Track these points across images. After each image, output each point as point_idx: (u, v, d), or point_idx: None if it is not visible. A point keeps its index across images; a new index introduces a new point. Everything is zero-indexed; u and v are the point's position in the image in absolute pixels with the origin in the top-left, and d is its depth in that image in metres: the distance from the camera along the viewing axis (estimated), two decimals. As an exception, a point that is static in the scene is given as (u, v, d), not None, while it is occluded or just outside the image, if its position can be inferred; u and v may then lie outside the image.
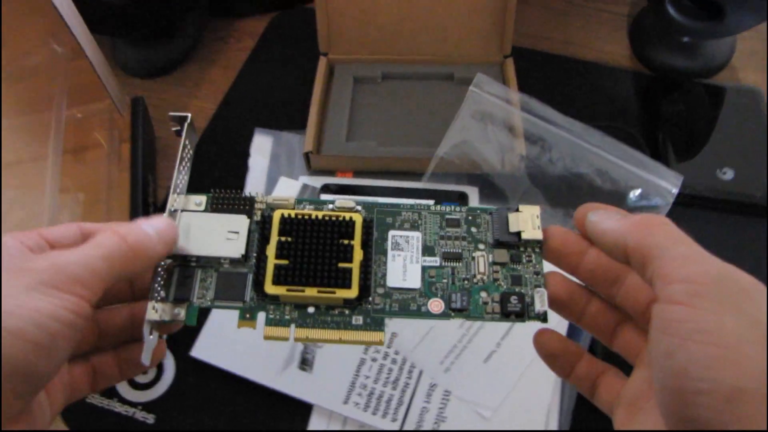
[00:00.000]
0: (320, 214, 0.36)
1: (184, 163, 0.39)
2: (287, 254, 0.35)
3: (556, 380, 0.51)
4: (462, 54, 0.69)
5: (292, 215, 0.36)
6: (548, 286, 0.35)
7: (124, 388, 0.54)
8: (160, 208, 0.63)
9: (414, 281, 0.36)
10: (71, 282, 0.27)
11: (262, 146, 0.65)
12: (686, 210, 0.60)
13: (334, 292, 0.34)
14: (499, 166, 0.60)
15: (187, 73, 0.75)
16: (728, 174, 0.61)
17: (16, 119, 0.61)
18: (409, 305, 0.36)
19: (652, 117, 0.68)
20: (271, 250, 0.35)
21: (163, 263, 0.34)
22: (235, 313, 0.36)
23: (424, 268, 0.37)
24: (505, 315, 0.34)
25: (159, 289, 0.34)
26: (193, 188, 0.55)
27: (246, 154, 0.65)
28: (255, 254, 0.36)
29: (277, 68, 0.75)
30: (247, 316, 0.35)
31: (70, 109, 0.59)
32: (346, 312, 0.35)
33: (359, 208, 0.38)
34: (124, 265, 0.30)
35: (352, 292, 0.35)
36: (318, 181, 0.61)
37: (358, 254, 0.36)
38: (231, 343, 0.53)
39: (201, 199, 0.38)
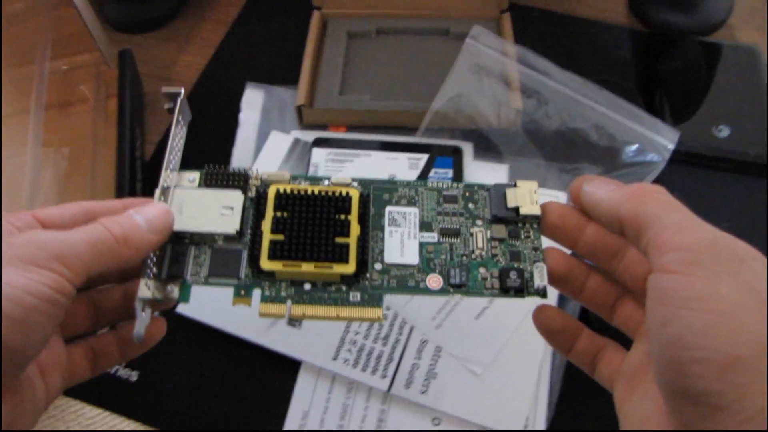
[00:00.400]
0: (316, 189, 0.35)
1: (176, 140, 0.38)
2: (283, 229, 0.34)
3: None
4: (458, 8, 0.68)
5: (288, 190, 0.35)
6: (547, 261, 0.34)
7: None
8: (146, 165, 0.61)
9: (412, 257, 0.35)
10: (49, 258, 0.26)
11: (253, 101, 0.64)
12: (682, 167, 0.59)
13: (331, 267, 0.34)
14: (494, 121, 0.59)
15: (176, 28, 0.74)
16: (724, 132, 0.60)
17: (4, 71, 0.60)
18: (407, 281, 0.35)
19: (648, 74, 0.67)
20: (266, 225, 0.34)
21: None
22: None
23: (422, 244, 0.36)
24: (504, 291, 0.34)
25: (151, 266, 0.33)
26: (185, 143, 0.54)
27: (237, 109, 0.64)
28: (250, 230, 0.35)
29: (269, 23, 0.73)
30: (242, 293, 0.34)
31: (55, 61, 0.58)
32: (344, 288, 0.34)
33: (355, 184, 0.37)
34: (111, 255, 0.29)
35: (350, 267, 0.34)
36: (310, 136, 0.60)
37: (355, 229, 0.35)
38: (219, 300, 0.52)
39: (194, 176, 0.37)
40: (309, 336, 0.52)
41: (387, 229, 0.36)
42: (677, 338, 0.24)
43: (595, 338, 0.34)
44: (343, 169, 0.56)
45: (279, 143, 0.60)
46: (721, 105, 0.63)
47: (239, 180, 0.37)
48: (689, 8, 0.71)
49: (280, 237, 0.34)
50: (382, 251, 0.36)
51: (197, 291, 0.50)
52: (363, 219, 0.36)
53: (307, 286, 0.34)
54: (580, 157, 0.58)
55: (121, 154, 0.56)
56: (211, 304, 0.52)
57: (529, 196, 0.35)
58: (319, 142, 0.58)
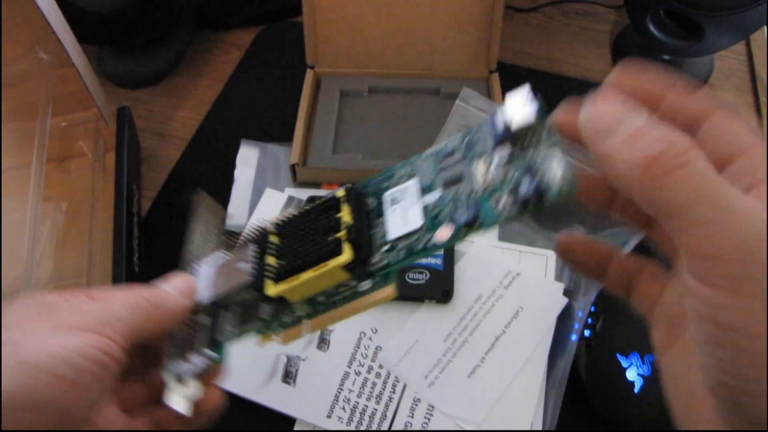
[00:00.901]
0: (304, 208, 0.34)
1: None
2: (281, 254, 0.33)
3: (540, 395, 0.52)
4: (448, 69, 0.70)
5: (280, 220, 0.34)
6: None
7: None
8: (143, 220, 0.62)
9: (415, 221, 0.32)
10: (94, 323, 0.28)
11: (248, 158, 0.65)
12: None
13: (327, 264, 0.31)
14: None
15: (173, 84, 0.75)
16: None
17: (7, 125, 0.61)
18: (415, 246, 0.31)
19: (634, 134, 0.69)
20: (270, 258, 0.33)
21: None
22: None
23: (425, 207, 0.32)
24: (522, 204, 0.27)
25: (182, 343, 0.34)
26: (179, 197, 0.55)
27: (232, 166, 0.65)
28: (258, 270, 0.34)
29: (264, 81, 0.75)
30: (265, 331, 0.34)
31: (54, 118, 0.59)
32: (353, 283, 0.32)
33: (343, 188, 0.34)
34: (149, 318, 0.31)
35: (345, 256, 0.31)
36: (304, 194, 0.61)
37: (346, 219, 0.32)
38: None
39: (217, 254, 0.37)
40: (303, 393, 0.52)
41: (388, 210, 0.33)
42: (730, 365, 0.21)
43: (629, 262, 0.30)
44: (337, 226, 0.58)
45: (273, 201, 0.61)
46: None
47: (258, 234, 0.35)
48: (671, 70, 0.73)
49: (281, 262, 0.33)
50: (385, 234, 0.32)
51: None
52: (358, 210, 0.33)
53: (321, 299, 0.33)
54: (569, 218, 0.59)
55: (118, 210, 0.57)
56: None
57: (522, 102, 0.30)
58: (313, 201, 0.59)
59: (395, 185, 0.33)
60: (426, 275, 0.55)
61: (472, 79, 0.69)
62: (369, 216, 0.33)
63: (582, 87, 0.73)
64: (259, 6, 0.79)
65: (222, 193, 0.63)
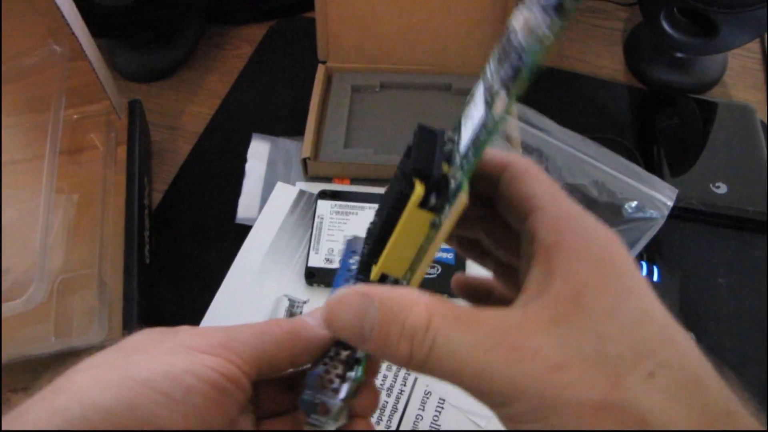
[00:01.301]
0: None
1: None
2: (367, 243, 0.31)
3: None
4: (460, 65, 0.69)
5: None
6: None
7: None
8: (153, 213, 0.62)
9: (479, 114, 0.28)
10: (214, 345, 0.26)
11: (259, 152, 0.65)
12: (681, 223, 0.61)
13: (403, 214, 0.27)
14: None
15: (184, 78, 0.75)
16: (722, 188, 0.62)
17: (13, 118, 0.61)
18: (479, 138, 0.26)
19: (646, 131, 0.69)
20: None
21: None
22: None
23: (486, 99, 0.28)
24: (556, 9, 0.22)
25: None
26: (189, 190, 0.56)
27: (242, 160, 0.65)
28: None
29: (275, 75, 0.75)
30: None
31: (67, 110, 0.59)
32: (437, 220, 0.27)
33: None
34: (279, 345, 0.28)
35: (417, 192, 0.26)
36: (315, 188, 0.61)
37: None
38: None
39: None
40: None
41: (462, 128, 0.30)
42: None
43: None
44: (348, 221, 0.57)
45: (284, 194, 0.61)
46: (718, 162, 0.64)
47: None
48: (685, 67, 0.73)
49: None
50: (457, 151, 0.29)
51: (216, 317, 0.51)
52: (421, 142, 0.29)
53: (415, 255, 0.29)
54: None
55: (130, 202, 0.57)
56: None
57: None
58: (324, 195, 0.59)
59: (468, 103, 0.30)
60: (438, 270, 0.55)
61: (484, 75, 0.69)
62: (440, 145, 0.29)
63: (593, 84, 0.74)
64: (269, 2, 0.79)
65: (233, 186, 0.63)
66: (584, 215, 0.25)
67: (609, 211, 0.58)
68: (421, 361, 0.24)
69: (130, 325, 0.49)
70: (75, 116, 0.63)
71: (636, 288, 0.23)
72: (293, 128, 0.66)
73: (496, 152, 0.28)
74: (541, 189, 0.26)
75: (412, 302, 0.24)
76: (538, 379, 0.21)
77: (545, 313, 0.22)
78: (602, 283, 0.23)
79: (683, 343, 0.22)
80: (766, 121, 0.69)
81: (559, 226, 0.25)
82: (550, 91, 0.73)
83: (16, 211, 0.60)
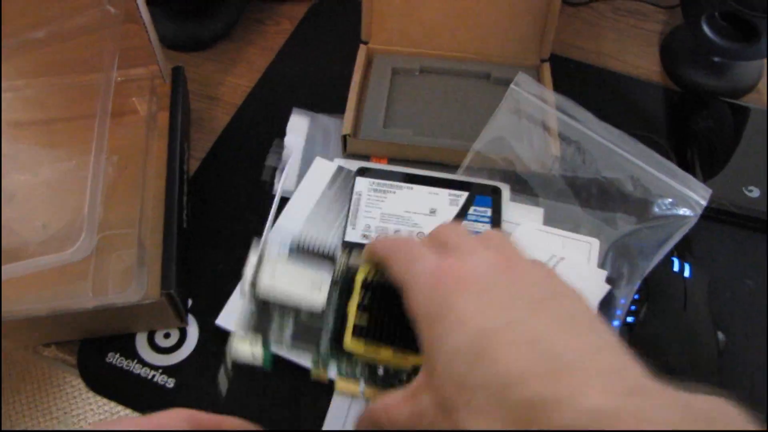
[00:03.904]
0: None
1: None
2: (367, 314, 0.37)
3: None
4: (500, 54, 0.70)
5: (374, 278, 0.38)
6: None
7: (145, 351, 0.54)
8: (191, 178, 0.63)
9: None
10: None
11: (298, 126, 0.66)
12: (712, 224, 0.61)
13: (406, 358, 0.36)
14: (533, 165, 0.61)
15: (223, 50, 0.76)
16: (754, 192, 0.62)
17: (59, 77, 0.62)
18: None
19: (680, 132, 0.69)
20: (351, 308, 0.37)
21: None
22: None
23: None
24: None
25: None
26: (228, 162, 0.57)
27: (280, 133, 0.65)
28: (334, 310, 0.38)
29: (314, 53, 0.75)
30: (320, 365, 0.38)
31: (115, 72, 0.59)
32: (413, 378, 0.34)
33: None
34: None
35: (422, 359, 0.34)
36: (353, 165, 0.61)
37: None
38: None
39: (284, 247, 0.40)
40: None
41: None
42: None
43: None
44: (386, 199, 0.58)
45: (323, 170, 0.61)
46: (750, 166, 0.65)
47: (326, 259, 0.40)
48: (720, 72, 0.74)
49: (363, 321, 0.37)
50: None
51: (237, 305, 0.52)
52: None
53: (381, 371, 0.37)
54: (614, 206, 0.59)
55: (170, 167, 0.57)
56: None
57: None
58: (362, 172, 0.60)
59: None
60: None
61: (523, 66, 0.69)
62: None
63: (629, 82, 0.74)
64: (313, -20, 0.80)
65: (272, 159, 0.64)
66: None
67: (642, 206, 0.58)
68: None
69: (167, 286, 0.50)
70: (119, 79, 0.63)
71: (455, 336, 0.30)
72: (331, 105, 0.67)
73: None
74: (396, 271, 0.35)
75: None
76: None
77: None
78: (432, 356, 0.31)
79: (490, 361, 0.28)
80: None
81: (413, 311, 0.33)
82: (586, 86, 0.74)
83: (56, 170, 0.61)
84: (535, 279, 0.32)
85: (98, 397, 1.49)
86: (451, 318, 0.30)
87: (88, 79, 0.61)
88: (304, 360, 0.39)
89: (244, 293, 0.39)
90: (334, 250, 0.40)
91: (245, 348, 0.37)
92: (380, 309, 0.37)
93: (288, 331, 0.38)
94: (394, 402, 0.33)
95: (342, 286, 0.39)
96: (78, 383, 1.49)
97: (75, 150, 0.60)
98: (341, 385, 0.37)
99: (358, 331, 0.37)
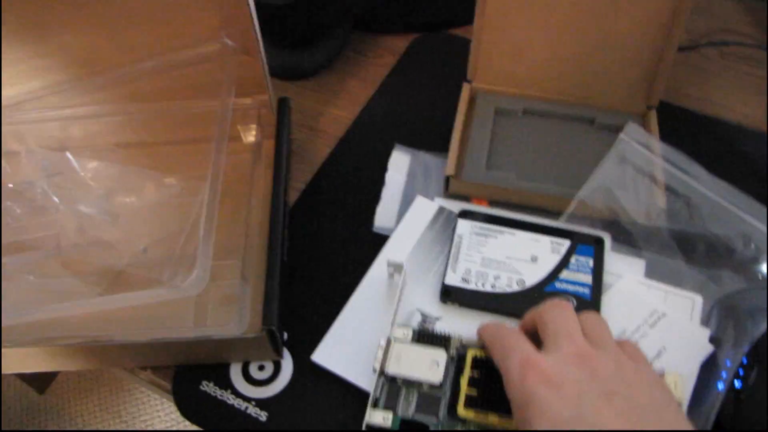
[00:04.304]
0: None
1: (398, 303, 0.53)
2: (476, 386, 0.46)
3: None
4: (605, 100, 0.69)
5: (482, 356, 0.48)
6: None
7: (239, 382, 0.54)
8: (291, 210, 0.64)
9: None
10: None
11: (399, 163, 0.66)
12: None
13: (510, 421, 0.44)
14: (637, 217, 0.59)
15: (325, 81, 0.77)
16: None
17: (172, 102, 0.64)
18: None
19: (791, 186, 0.67)
20: (464, 381, 0.47)
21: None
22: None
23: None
24: None
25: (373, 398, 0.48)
26: (328, 195, 0.67)
27: (381, 168, 0.66)
28: (450, 382, 0.48)
29: (415, 88, 0.76)
30: (440, 429, 0.47)
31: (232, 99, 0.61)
32: None
33: None
34: None
35: None
36: (453, 205, 0.61)
37: None
38: (352, 352, 0.53)
39: (407, 331, 0.51)
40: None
41: None
42: None
43: None
44: (487, 243, 0.58)
45: (424, 209, 0.61)
46: None
47: (442, 340, 0.50)
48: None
49: (474, 392, 0.46)
50: None
51: (334, 343, 0.54)
52: None
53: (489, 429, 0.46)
54: (721, 264, 0.58)
55: (275, 198, 0.58)
56: (345, 357, 0.53)
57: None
58: (465, 214, 0.59)
59: None
60: (573, 302, 0.55)
61: (629, 113, 0.68)
62: None
63: (739, 133, 0.72)
64: (416, 15, 0.80)
65: (372, 195, 0.64)
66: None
67: (753, 266, 0.56)
68: None
69: (270, 322, 0.50)
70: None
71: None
72: (432, 142, 0.67)
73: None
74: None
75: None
76: None
77: None
78: None
79: None
80: None
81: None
82: (693, 135, 0.72)
83: (161, 194, 0.62)
84: (612, 370, 0.40)
85: (166, 404, 1.53)
86: (535, 408, 0.38)
87: (200, 105, 0.63)
88: (428, 423, 0.47)
89: (376, 371, 0.49)
90: (449, 334, 0.50)
91: (378, 414, 0.47)
92: (487, 382, 0.46)
93: (413, 400, 0.48)
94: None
95: (456, 364, 0.49)
96: (172, 408, 1.53)
97: (181, 175, 0.62)
98: None
99: (469, 401, 0.46)
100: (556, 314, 0.44)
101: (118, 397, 1.54)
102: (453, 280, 0.56)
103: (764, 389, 0.50)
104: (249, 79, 0.62)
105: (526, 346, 0.42)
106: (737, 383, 0.52)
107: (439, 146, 0.65)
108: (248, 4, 0.55)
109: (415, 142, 0.68)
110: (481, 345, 0.48)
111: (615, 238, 0.60)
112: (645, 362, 0.42)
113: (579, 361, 0.40)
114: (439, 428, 0.47)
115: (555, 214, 0.61)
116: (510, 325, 0.47)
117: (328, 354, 0.54)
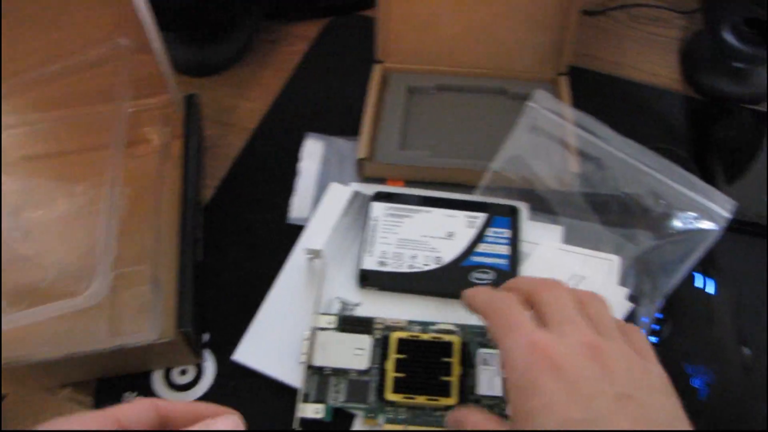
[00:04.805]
0: (427, 336, 0.49)
1: (320, 290, 0.53)
2: (403, 369, 0.48)
3: None
4: (516, 69, 0.69)
5: (406, 337, 0.49)
6: None
7: (161, 388, 0.53)
8: (206, 207, 0.63)
9: (498, 390, 0.48)
10: None
11: (313, 151, 0.65)
12: (736, 236, 0.60)
13: (438, 400, 0.46)
14: (551, 183, 0.59)
15: (237, 74, 0.75)
16: (779, 201, 0.61)
17: (70, 110, 0.62)
18: (494, 410, 0.47)
19: (702, 141, 0.68)
20: (390, 365, 0.48)
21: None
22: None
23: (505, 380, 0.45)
24: None
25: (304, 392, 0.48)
26: (243, 189, 0.58)
27: (295, 157, 0.65)
28: (377, 367, 0.49)
29: (329, 73, 0.75)
30: (371, 415, 0.47)
31: (129, 103, 0.59)
32: (446, 413, 0.45)
33: (456, 329, 0.51)
34: None
35: (452, 400, 0.47)
36: (368, 188, 0.60)
37: (456, 370, 0.48)
38: (274, 349, 0.53)
39: (331, 319, 0.52)
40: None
41: (479, 366, 0.49)
42: None
43: None
44: (402, 224, 0.57)
45: (338, 195, 0.60)
46: (774, 175, 0.63)
47: (366, 325, 0.51)
48: (742, 78, 0.72)
49: (401, 375, 0.47)
50: (475, 385, 0.48)
51: (254, 341, 0.53)
52: (463, 361, 0.48)
53: (419, 412, 0.47)
54: (635, 222, 0.58)
55: (185, 198, 0.57)
56: (267, 354, 0.53)
57: None
58: (378, 197, 0.59)
59: (487, 346, 0.50)
60: (491, 275, 0.55)
61: (540, 80, 0.68)
62: (467, 366, 0.49)
63: (649, 92, 0.73)
64: (326, 0, 0.79)
65: (286, 185, 0.63)
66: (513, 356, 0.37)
67: (664, 221, 0.57)
68: None
69: (184, 324, 0.49)
70: (131, 109, 0.63)
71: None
72: (347, 127, 0.66)
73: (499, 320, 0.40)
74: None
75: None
76: None
77: None
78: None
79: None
80: (826, 135, 0.68)
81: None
82: (605, 98, 0.72)
83: (71, 205, 0.61)
84: (624, 368, 0.35)
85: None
86: (541, 400, 0.34)
87: (101, 110, 0.61)
88: (358, 411, 0.48)
89: (303, 362, 0.49)
90: (373, 318, 0.51)
91: (309, 407, 0.48)
92: (413, 363, 0.48)
93: (342, 389, 0.48)
94: (484, 421, 0.39)
95: (382, 348, 0.50)
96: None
97: (89, 183, 0.60)
98: (388, 428, 0.47)
99: (397, 385, 0.47)
100: (555, 296, 0.39)
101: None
102: (369, 263, 0.55)
103: (676, 340, 0.51)
104: (151, 79, 0.60)
105: (531, 325, 0.38)
106: (653, 339, 0.52)
107: (355, 131, 0.64)
108: (140, 1, 0.53)
109: (330, 128, 0.67)
110: (470, 310, 0.43)
111: (532, 207, 0.60)
112: (652, 356, 0.39)
113: (589, 353, 0.35)
114: (370, 414, 0.47)
115: (472, 189, 0.61)
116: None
117: (251, 352, 0.53)
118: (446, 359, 0.48)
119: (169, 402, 0.34)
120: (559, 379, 0.34)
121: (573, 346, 0.36)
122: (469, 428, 0.40)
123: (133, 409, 0.32)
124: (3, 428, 0.52)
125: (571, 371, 0.34)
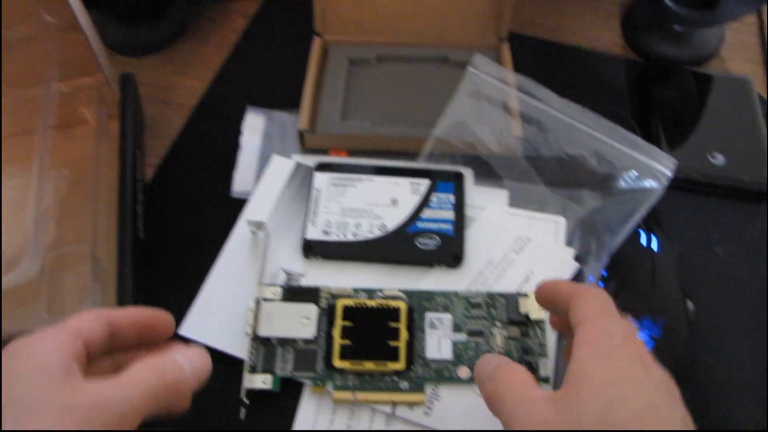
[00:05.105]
0: (374, 303, 0.50)
1: (263, 261, 0.53)
2: (349, 336, 0.48)
3: (551, 355, 0.51)
4: (457, 37, 0.69)
5: (352, 304, 0.50)
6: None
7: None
8: (148, 186, 0.61)
9: (447, 353, 0.48)
10: (116, 421, 0.29)
11: (254, 125, 0.64)
12: (679, 194, 0.60)
13: (386, 365, 0.47)
14: (495, 147, 0.59)
15: (176, 52, 0.74)
16: (719, 159, 0.62)
17: (5, 92, 0.60)
18: (443, 372, 0.48)
19: (643, 103, 0.68)
20: (336, 332, 0.49)
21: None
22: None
23: (454, 343, 0.49)
24: None
25: (248, 362, 0.48)
26: (185, 166, 0.56)
27: (238, 133, 0.64)
28: (323, 335, 0.49)
29: (270, 48, 0.74)
30: (319, 383, 0.48)
31: (57, 83, 0.58)
32: (395, 378, 0.47)
33: (403, 295, 0.51)
34: (161, 401, 0.32)
35: (400, 365, 0.47)
36: (311, 160, 0.60)
37: (404, 335, 0.49)
38: (220, 322, 0.52)
39: (276, 290, 0.51)
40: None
41: (428, 330, 0.49)
42: None
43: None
44: (346, 193, 0.57)
45: (281, 167, 0.60)
46: (714, 133, 0.64)
47: (312, 294, 0.51)
48: (682, 40, 0.73)
49: (348, 342, 0.48)
50: (423, 348, 0.49)
51: (201, 314, 0.51)
52: (410, 325, 0.49)
53: (367, 377, 0.47)
54: (579, 183, 0.58)
55: (123, 177, 0.56)
56: (214, 327, 0.52)
57: (537, 305, 0.43)
58: (321, 167, 0.58)
59: (434, 310, 0.51)
60: (436, 240, 0.55)
61: (482, 47, 0.68)
62: (414, 331, 0.49)
63: (590, 57, 0.73)
64: (264, -26, 0.78)
65: (228, 160, 0.63)
66: (610, 334, 0.35)
67: (607, 181, 0.57)
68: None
69: (124, 302, 0.48)
70: (65, 90, 0.61)
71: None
72: (289, 101, 0.65)
73: (567, 286, 0.39)
74: (585, 311, 0.36)
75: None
76: None
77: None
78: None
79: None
80: (764, 94, 0.69)
81: (588, 347, 0.34)
82: (547, 63, 0.72)
83: (5, 189, 0.59)
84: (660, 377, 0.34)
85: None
86: (624, 390, 0.32)
87: (30, 93, 0.59)
88: (306, 379, 0.48)
89: (248, 333, 0.49)
90: (318, 287, 0.51)
91: (257, 378, 0.48)
92: (360, 330, 0.49)
93: (290, 358, 0.48)
94: (521, 377, 0.36)
95: (328, 316, 0.50)
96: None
97: (21, 167, 0.58)
98: (337, 396, 0.47)
99: (344, 352, 0.48)
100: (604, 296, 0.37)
101: None
102: (313, 233, 0.55)
103: (621, 297, 0.52)
104: (82, 59, 0.59)
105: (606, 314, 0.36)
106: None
107: (297, 104, 0.63)
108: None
109: (273, 102, 0.67)
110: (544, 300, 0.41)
111: (477, 172, 0.60)
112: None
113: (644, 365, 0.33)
114: (318, 382, 0.47)
115: (416, 157, 0.61)
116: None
117: (197, 325, 0.52)
118: (393, 324, 0.49)
119: (113, 310, 0.35)
120: (649, 377, 0.33)
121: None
122: (512, 386, 0.35)
123: (88, 320, 0.33)
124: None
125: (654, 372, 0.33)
